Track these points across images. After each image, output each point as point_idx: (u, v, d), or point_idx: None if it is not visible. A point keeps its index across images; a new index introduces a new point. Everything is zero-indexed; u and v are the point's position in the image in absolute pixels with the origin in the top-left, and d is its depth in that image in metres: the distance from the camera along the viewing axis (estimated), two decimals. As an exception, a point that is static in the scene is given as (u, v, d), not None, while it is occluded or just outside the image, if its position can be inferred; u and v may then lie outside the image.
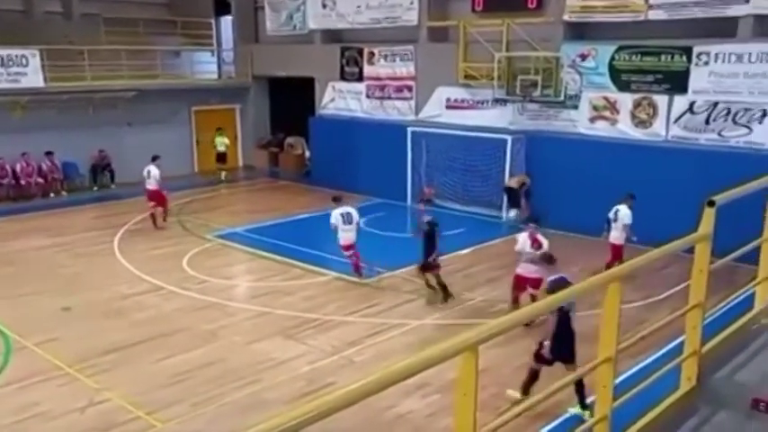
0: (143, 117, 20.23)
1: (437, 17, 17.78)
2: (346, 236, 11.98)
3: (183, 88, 21.46)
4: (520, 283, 9.98)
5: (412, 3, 17.97)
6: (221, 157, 21.49)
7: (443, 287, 11.07)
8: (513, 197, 15.87)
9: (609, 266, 10.11)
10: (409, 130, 17.68)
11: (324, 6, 20.06)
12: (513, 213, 15.82)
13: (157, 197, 15.76)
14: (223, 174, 21.43)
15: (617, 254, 11.58)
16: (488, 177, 16.31)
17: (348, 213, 12.03)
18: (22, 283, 11.83)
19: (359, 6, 19.17)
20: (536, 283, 9.56)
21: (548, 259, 8.19)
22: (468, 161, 16.44)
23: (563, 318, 7.22)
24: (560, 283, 7.05)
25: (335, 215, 11.96)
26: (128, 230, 15.42)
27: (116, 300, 11.15)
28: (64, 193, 19.03)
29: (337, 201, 12.38)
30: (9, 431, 7.18)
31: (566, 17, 15.21)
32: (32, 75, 17.88)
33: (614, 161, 14.52)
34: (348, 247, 12.05)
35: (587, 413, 6.86)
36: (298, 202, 18.34)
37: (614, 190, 14.31)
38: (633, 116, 14.65)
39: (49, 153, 18.76)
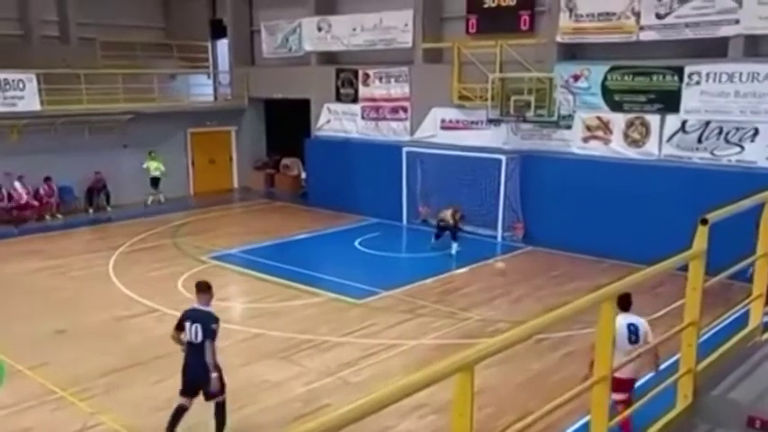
0: (139, 140, 20.29)
1: (432, 39, 17.95)
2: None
3: (180, 111, 21.55)
4: None
5: (407, 25, 18.14)
6: (155, 182, 20.63)
7: None
8: (451, 230, 15.04)
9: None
10: (404, 150, 17.76)
11: (319, 29, 20.23)
12: (455, 247, 14.96)
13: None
14: (150, 199, 20.54)
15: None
16: (484, 197, 16.36)
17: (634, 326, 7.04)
18: (15, 306, 11.75)
19: (354, 29, 19.34)
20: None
21: None
22: (463, 181, 16.49)
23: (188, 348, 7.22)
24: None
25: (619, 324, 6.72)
26: (123, 253, 15.38)
27: (111, 322, 11.08)
28: (59, 215, 18.99)
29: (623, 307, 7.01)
30: (2, 456, 7.11)
31: (558, 38, 15.37)
32: (29, 98, 17.94)
33: (608, 180, 14.59)
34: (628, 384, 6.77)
35: None
36: (294, 224, 18.34)
37: (609, 209, 14.43)
38: (626, 136, 14.74)
39: (47, 179, 18.77)
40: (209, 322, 7.10)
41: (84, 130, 19.42)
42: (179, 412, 7.30)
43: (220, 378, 7.25)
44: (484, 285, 12.98)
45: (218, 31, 23.75)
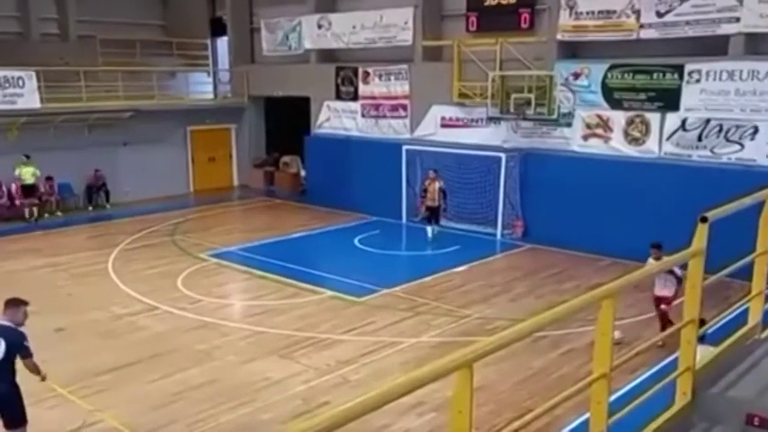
0: (139, 137, 20.27)
1: (432, 37, 17.93)
2: None
3: (179, 109, 21.54)
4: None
5: (407, 23, 18.12)
6: (29, 191, 18.13)
7: None
8: (435, 211, 15.97)
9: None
10: (404, 148, 17.75)
11: (319, 27, 20.21)
12: (435, 230, 16.01)
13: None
14: (27, 211, 18.02)
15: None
16: (483, 195, 16.36)
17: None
18: (15, 304, 11.72)
19: (354, 27, 19.32)
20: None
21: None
22: (462, 179, 16.50)
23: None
24: None
25: None
26: (122, 250, 15.38)
27: (110, 320, 11.08)
28: (59, 213, 18.98)
29: None
30: (1, 454, 7.10)
31: (558, 36, 15.36)
32: (29, 96, 17.91)
33: (608, 178, 14.59)
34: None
35: None
36: (293, 221, 18.34)
37: (608, 206, 14.43)
38: (626, 134, 14.74)
39: (49, 178, 18.76)
40: (17, 340, 6.51)
41: (83, 128, 19.40)
42: None
43: (21, 406, 6.64)
44: (483, 283, 12.98)
45: (217, 28, 23.73)
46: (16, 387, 6.66)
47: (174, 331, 10.59)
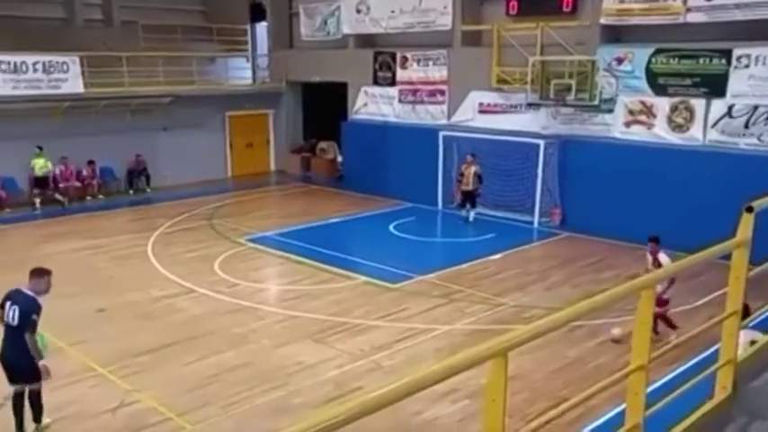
0: (178, 122, 20.53)
1: (471, 21, 17.71)
2: None
3: (218, 94, 21.73)
4: None
5: (446, 7, 17.91)
6: (41, 182, 17.97)
7: None
8: (471, 195, 16.13)
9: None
10: (441, 134, 17.62)
11: (358, 12, 20.13)
12: (473, 214, 16.25)
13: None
14: (38, 201, 17.79)
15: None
16: (520, 182, 16.16)
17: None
18: (58, 285, 11.80)
19: (393, 11, 19.18)
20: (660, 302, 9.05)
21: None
22: (499, 166, 16.31)
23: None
24: None
25: None
26: (162, 234, 15.62)
27: (149, 302, 11.28)
28: (101, 196, 19.36)
29: None
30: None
31: (602, 20, 15.01)
32: (72, 81, 18.24)
33: (650, 166, 14.26)
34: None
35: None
36: (329, 207, 18.40)
37: (650, 195, 14.13)
38: (670, 120, 14.37)
39: (90, 162, 19.14)
40: (29, 310, 6.71)
41: (125, 113, 19.71)
42: (17, 399, 7.02)
43: (35, 366, 6.89)
44: (519, 271, 12.84)
45: (257, 14, 23.81)
46: (30, 355, 6.83)
47: (210, 314, 10.73)
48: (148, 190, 20.25)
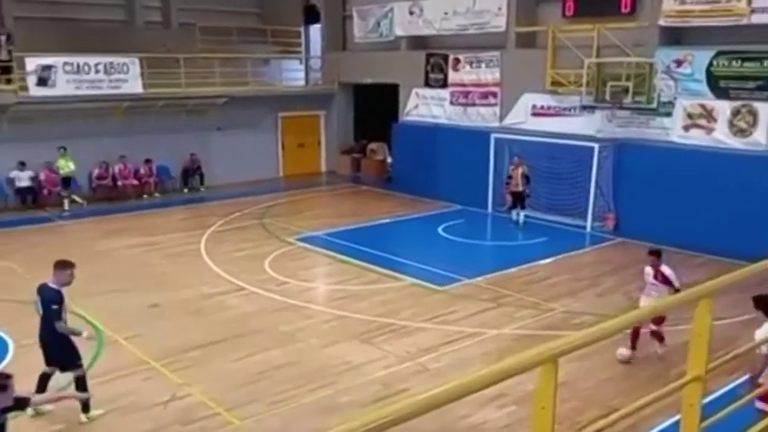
0: (232, 122, 20.90)
1: (526, 23, 17.49)
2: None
3: (272, 95, 22.03)
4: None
5: (500, 8, 17.74)
6: (66, 182, 17.76)
7: None
8: (520, 197, 15.96)
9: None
10: (492, 136, 17.45)
11: (411, 13, 20.13)
12: (522, 216, 16.05)
13: None
14: (67, 203, 17.70)
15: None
16: (573, 186, 15.88)
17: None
18: (113, 280, 12.37)
19: (446, 13, 19.11)
20: (659, 319, 8.82)
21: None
22: (552, 169, 16.07)
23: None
24: None
25: None
26: (214, 232, 15.91)
27: (200, 299, 11.49)
28: (156, 194, 19.85)
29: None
30: (97, 421, 7.48)
31: (661, 22, 14.63)
32: (132, 81, 18.77)
33: (709, 171, 13.82)
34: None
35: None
36: (378, 208, 18.44)
37: (708, 201, 13.69)
38: (731, 124, 13.90)
39: (147, 161, 19.66)
40: (49, 300, 7.21)
41: (181, 113, 20.17)
42: (41, 378, 7.46)
43: (67, 351, 7.32)
44: (570, 276, 12.61)
45: (311, 16, 24.07)
46: (59, 336, 7.26)
47: (259, 312, 10.86)
48: (202, 189, 20.67)
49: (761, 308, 6.82)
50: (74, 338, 7.45)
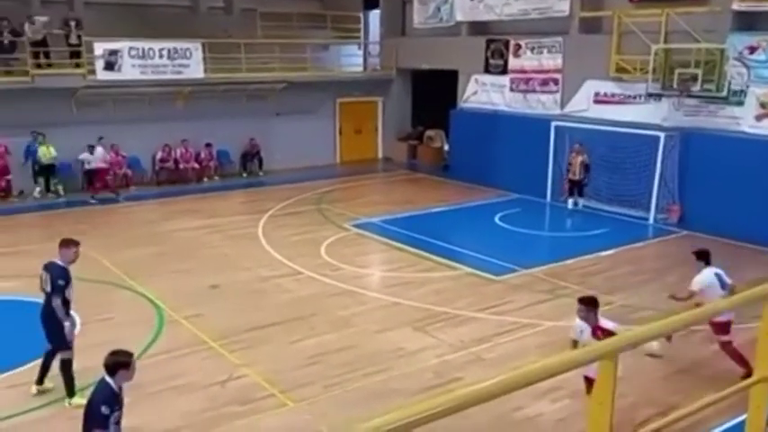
0: (291, 108, 21.10)
1: (590, 8, 17.05)
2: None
3: (330, 81, 22.14)
4: None
5: (564, -7, 17.35)
6: (51, 170, 17.39)
7: None
8: (579, 184, 16.02)
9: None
10: (553, 124, 17.11)
11: (472, -1, 19.88)
12: (582, 202, 16.20)
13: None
14: (37, 190, 17.29)
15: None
16: (636, 176, 15.44)
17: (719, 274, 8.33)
18: (175, 261, 12.71)
19: (508, -2, 18.80)
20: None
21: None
22: (614, 158, 15.66)
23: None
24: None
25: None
26: (272, 216, 16.14)
27: (258, 281, 11.69)
28: (216, 178, 20.25)
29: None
30: (156, 398, 7.70)
31: (734, 6, 14.02)
32: (194, 66, 19.13)
33: (783, 163, 13.24)
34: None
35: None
36: (434, 195, 18.36)
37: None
38: (808, 114, 13.27)
39: (208, 144, 20.06)
40: (56, 276, 7.31)
41: (241, 98, 20.47)
42: (46, 356, 7.60)
43: (60, 331, 7.36)
44: (630, 269, 12.30)
45: (370, 1, 24.03)
46: (54, 321, 7.37)
47: (315, 296, 10.98)
48: (260, 173, 20.97)
49: (702, 259, 8.36)
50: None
